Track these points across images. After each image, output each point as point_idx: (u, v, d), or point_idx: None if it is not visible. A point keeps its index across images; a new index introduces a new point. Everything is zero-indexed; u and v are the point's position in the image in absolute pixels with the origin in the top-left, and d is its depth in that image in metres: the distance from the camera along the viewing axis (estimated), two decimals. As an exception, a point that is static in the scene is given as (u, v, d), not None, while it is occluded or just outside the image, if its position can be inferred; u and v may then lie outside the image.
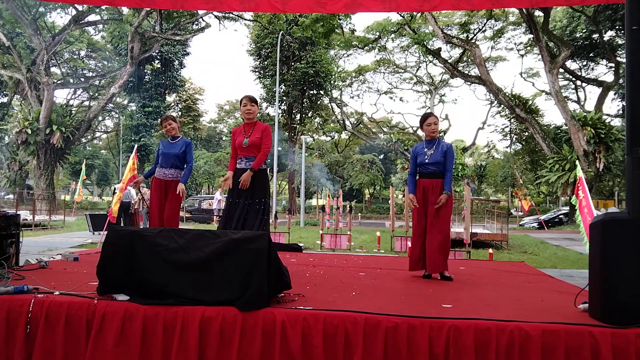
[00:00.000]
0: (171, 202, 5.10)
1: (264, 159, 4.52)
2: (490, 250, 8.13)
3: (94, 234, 13.63)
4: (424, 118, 4.64)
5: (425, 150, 4.57)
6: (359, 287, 3.83)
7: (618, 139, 20.49)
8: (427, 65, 37.39)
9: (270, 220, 9.70)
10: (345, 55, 36.20)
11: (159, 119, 37.19)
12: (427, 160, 4.52)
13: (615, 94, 29.62)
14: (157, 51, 31.10)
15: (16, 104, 31.02)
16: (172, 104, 41.25)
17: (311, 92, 30.72)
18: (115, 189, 13.99)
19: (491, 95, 28.42)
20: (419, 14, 24.94)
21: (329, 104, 37.15)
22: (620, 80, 25.68)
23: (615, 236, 2.71)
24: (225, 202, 4.62)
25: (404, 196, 13.39)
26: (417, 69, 39.04)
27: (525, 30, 28.49)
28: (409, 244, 9.17)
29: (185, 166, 5.27)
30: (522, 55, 34.17)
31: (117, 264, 3.01)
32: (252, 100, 4.57)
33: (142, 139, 34.92)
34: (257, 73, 30.92)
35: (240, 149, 4.54)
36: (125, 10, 23.35)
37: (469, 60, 30.07)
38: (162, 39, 25.41)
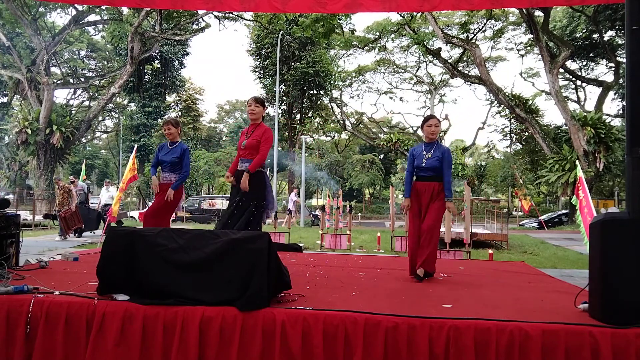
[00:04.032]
0: (158, 199, 5.11)
1: (262, 161, 4.43)
2: (490, 250, 8.13)
3: (93, 233, 13.63)
4: (426, 119, 4.65)
5: (424, 153, 4.54)
6: (359, 287, 3.82)
7: (618, 139, 20.50)
8: (427, 65, 37.45)
9: (270, 221, 9.68)
10: (345, 55, 36.25)
11: (159, 119, 37.30)
12: (424, 165, 4.50)
13: (615, 94, 29.64)
14: (157, 51, 31.11)
15: (16, 104, 31.03)
16: (172, 104, 41.24)
17: (311, 92, 30.76)
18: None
19: (491, 95, 28.44)
20: (419, 14, 24.94)
21: (329, 104, 37.16)
22: (620, 80, 25.69)
23: (615, 236, 2.71)
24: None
25: (403, 196, 13.34)
26: (417, 69, 39.09)
27: (525, 30, 28.50)
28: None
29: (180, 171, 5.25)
30: (522, 55, 34.21)
31: (117, 264, 3.01)
32: (256, 100, 4.52)
33: (142, 139, 34.92)
34: (257, 73, 30.96)
35: (239, 149, 4.55)
36: (125, 10, 23.35)
37: (469, 60, 30.08)
38: (162, 39, 25.41)
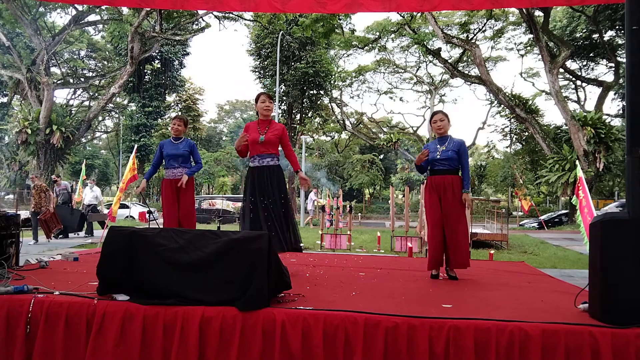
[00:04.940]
0: (186, 200, 5.20)
1: (296, 158, 4.58)
2: (491, 251, 8.13)
3: (93, 235, 13.62)
4: (431, 116, 4.72)
5: (438, 146, 4.59)
6: (359, 287, 3.83)
7: (618, 139, 20.48)
8: (427, 65, 37.39)
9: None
10: (345, 55, 36.17)
11: (159, 119, 37.22)
12: (438, 156, 4.52)
13: (615, 94, 29.62)
14: (157, 51, 31.10)
15: (16, 104, 31.03)
16: (172, 104, 41.25)
17: (311, 92, 30.69)
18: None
19: (491, 95, 28.42)
20: (419, 14, 24.93)
21: (329, 104, 37.12)
22: (620, 80, 25.66)
23: (615, 236, 2.70)
24: (246, 203, 4.47)
25: (404, 196, 13.35)
26: (417, 69, 39.04)
27: (525, 30, 28.48)
28: (409, 244, 9.19)
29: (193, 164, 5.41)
30: (522, 55, 34.18)
31: (117, 264, 3.01)
32: (270, 97, 4.63)
33: (142, 139, 34.92)
34: (257, 73, 30.91)
35: (254, 145, 4.45)
36: (125, 10, 23.34)
37: (469, 60, 30.06)
38: (162, 39, 25.39)
